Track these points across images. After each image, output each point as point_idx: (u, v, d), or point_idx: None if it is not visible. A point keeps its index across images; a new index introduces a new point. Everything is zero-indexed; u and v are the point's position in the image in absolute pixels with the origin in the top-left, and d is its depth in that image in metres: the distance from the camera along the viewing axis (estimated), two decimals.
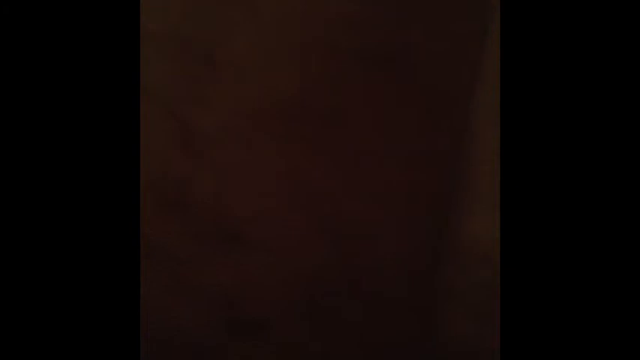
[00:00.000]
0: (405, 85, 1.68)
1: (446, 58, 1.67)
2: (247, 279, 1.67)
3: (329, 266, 1.68)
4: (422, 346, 1.71)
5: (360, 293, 1.70)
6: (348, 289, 1.69)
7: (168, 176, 1.61)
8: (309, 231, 1.68)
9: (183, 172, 1.62)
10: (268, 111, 1.64)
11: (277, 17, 1.62)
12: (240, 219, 1.65)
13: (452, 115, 1.69)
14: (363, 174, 1.69)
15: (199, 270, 1.65)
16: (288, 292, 1.68)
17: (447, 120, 1.68)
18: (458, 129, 1.68)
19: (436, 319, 1.68)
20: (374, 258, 1.69)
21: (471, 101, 1.68)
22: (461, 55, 1.68)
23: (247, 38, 1.62)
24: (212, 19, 1.60)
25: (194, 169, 1.63)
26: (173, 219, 1.62)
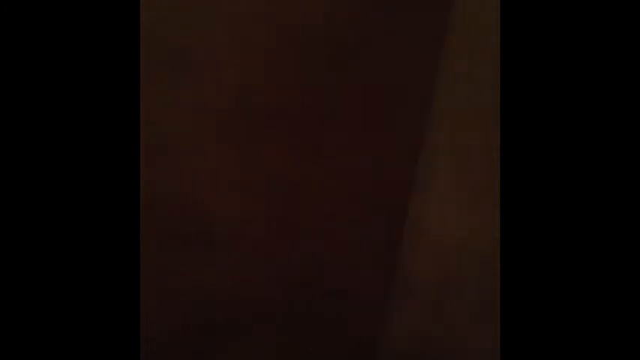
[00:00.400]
0: (368, 81, 1.67)
1: (407, 52, 1.66)
2: (222, 281, 1.66)
3: (301, 265, 1.68)
4: (386, 339, 1.71)
5: (331, 291, 1.69)
6: (320, 287, 1.69)
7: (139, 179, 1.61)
8: (281, 231, 1.67)
9: (152, 174, 1.62)
10: (238, 112, 1.64)
11: (234, 17, 1.62)
12: (215, 222, 1.65)
13: (414, 110, 1.68)
14: (331, 172, 1.68)
15: (172, 273, 1.64)
16: (262, 293, 1.67)
17: (410, 115, 1.67)
18: (420, 124, 1.67)
19: (400, 314, 1.67)
20: (344, 256, 1.68)
21: (433, 98, 1.68)
22: (422, 49, 1.67)
23: (208, 40, 1.62)
24: (176, 22, 1.59)
25: (163, 171, 1.62)
26: (143, 221, 1.61)
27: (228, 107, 1.62)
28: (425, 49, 1.68)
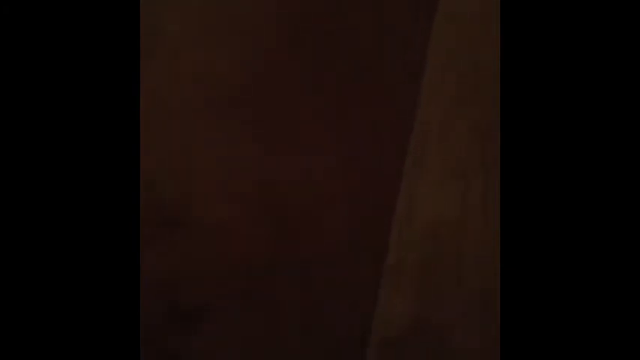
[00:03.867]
0: (349, 67, 1.67)
1: (390, 35, 1.66)
2: (188, 265, 1.66)
3: (273, 252, 1.68)
4: (365, 324, 1.72)
5: (306, 279, 1.70)
6: (293, 275, 1.69)
7: None
8: (253, 216, 1.67)
9: None
10: (209, 95, 1.62)
11: (216, 2, 1.61)
12: (180, 204, 1.64)
13: (399, 95, 1.68)
14: (307, 157, 1.68)
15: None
16: (232, 280, 1.67)
17: (394, 101, 1.68)
18: (405, 109, 1.67)
19: (381, 297, 1.68)
20: (319, 243, 1.69)
21: (420, 82, 1.68)
22: (407, 32, 1.67)
23: (183, 23, 1.61)
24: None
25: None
26: None
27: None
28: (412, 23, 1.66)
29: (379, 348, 1.67)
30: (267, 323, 1.68)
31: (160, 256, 1.65)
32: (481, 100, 1.63)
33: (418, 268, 1.64)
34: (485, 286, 1.61)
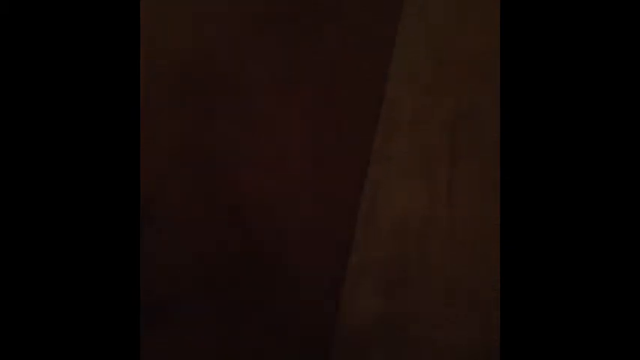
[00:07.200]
0: (317, 46, 1.65)
1: (370, 24, 1.64)
2: (153, 261, 1.65)
3: (232, 243, 1.66)
4: (328, 321, 1.69)
5: (266, 270, 1.67)
6: (253, 266, 1.67)
7: None
8: (211, 206, 1.65)
9: None
10: (172, 82, 1.61)
11: None
12: (144, 198, 1.63)
13: (369, 79, 1.66)
14: (269, 143, 1.66)
15: None
16: (190, 272, 1.65)
17: (364, 84, 1.65)
18: (375, 94, 1.65)
19: (345, 294, 1.66)
20: (280, 233, 1.66)
21: (390, 65, 1.65)
22: (381, 12, 1.65)
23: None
24: None
25: None
26: None
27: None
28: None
29: (343, 345, 1.65)
30: (231, 319, 1.67)
31: None
32: (454, 92, 1.60)
33: (383, 264, 1.62)
34: (451, 280, 1.59)
